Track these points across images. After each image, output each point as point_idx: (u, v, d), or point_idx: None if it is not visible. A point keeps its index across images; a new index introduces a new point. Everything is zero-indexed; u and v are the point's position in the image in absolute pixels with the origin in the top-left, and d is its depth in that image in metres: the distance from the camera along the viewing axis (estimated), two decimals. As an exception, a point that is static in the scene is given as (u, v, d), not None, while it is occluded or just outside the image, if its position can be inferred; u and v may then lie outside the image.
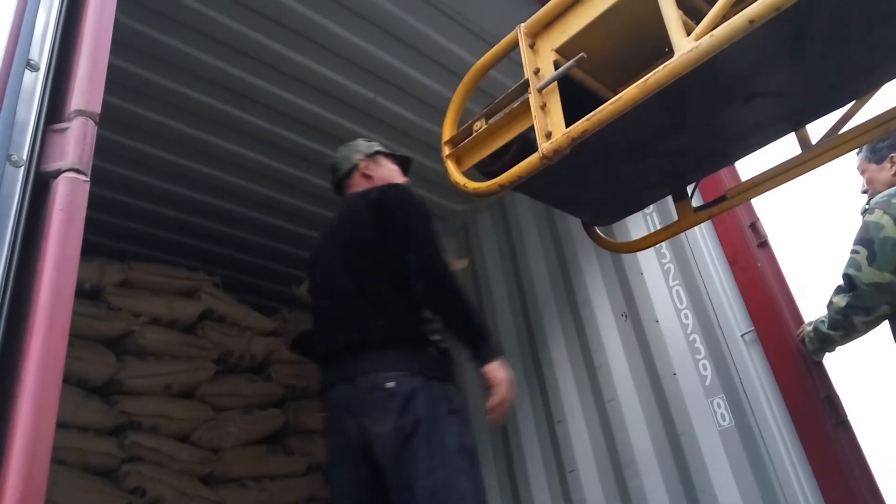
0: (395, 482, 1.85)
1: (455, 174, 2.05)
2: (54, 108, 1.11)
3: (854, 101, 1.93)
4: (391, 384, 1.89)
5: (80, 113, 1.10)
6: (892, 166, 2.50)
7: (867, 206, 2.45)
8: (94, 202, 1.05)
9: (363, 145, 2.47)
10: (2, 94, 1.07)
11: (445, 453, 1.84)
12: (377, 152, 2.45)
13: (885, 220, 2.31)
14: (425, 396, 1.90)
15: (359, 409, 1.93)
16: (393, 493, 1.86)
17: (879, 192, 2.45)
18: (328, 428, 2.05)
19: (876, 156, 2.55)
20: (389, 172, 2.41)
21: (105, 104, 1.16)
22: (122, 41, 2.78)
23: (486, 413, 1.97)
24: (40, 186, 1.03)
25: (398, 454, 1.84)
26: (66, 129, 1.08)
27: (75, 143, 1.06)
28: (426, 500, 1.78)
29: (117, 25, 1.30)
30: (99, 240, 3.74)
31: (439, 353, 2.02)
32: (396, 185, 2.26)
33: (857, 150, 2.41)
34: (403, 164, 2.51)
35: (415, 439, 1.84)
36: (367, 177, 2.38)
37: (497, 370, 1.96)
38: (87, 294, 3.37)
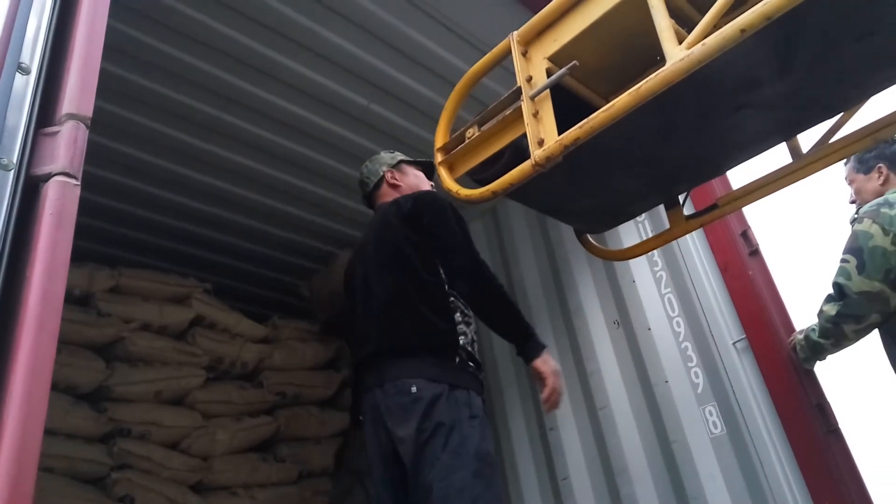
0: (414, 483, 1.91)
1: (447, 181, 2.05)
2: (45, 112, 1.11)
3: (843, 112, 1.95)
4: (415, 389, 1.96)
5: (71, 117, 1.09)
6: (879, 176, 2.52)
7: (856, 216, 2.46)
8: (85, 207, 1.05)
9: (386, 157, 2.57)
10: (-8, 97, 1.07)
11: (463, 457, 1.88)
12: (400, 161, 2.56)
13: (874, 229, 2.33)
14: (448, 402, 1.95)
15: (386, 414, 2.00)
16: (413, 494, 1.92)
17: (868, 202, 2.47)
18: (365, 432, 2.12)
19: (863, 166, 2.56)
20: (415, 179, 2.53)
21: (96, 109, 1.16)
22: (113, 46, 2.77)
23: (541, 404, 2.08)
24: (30, 190, 1.02)
25: (417, 456, 1.90)
26: (57, 132, 1.08)
27: (66, 147, 1.06)
28: (441, 501, 1.82)
29: (109, 31, 1.30)
30: (89, 245, 3.73)
31: (465, 361, 2.07)
32: (427, 193, 2.35)
33: (844, 160, 2.43)
34: (427, 169, 2.60)
35: (434, 442, 1.89)
36: (395, 186, 2.48)
37: (545, 364, 2.06)
38: (76, 300, 3.35)
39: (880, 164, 2.52)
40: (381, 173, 2.51)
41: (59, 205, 1.00)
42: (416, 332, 2.06)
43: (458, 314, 2.14)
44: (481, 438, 1.96)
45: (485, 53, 2.06)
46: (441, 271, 2.18)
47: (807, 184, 2.08)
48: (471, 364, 2.09)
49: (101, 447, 3.16)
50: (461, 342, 2.09)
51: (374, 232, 2.35)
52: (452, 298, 2.16)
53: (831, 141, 1.98)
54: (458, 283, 2.13)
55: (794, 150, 2.04)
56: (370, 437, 2.08)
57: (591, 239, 2.49)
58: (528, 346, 2.09)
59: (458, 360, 2.06)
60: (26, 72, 1.12)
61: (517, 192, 1.95)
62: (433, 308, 2.10)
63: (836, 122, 1.98)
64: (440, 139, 2.11)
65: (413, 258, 2.16)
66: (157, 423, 3.37)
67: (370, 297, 2.22)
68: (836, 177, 2.66)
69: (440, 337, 2.06)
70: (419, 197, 2.30)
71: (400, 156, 2.58)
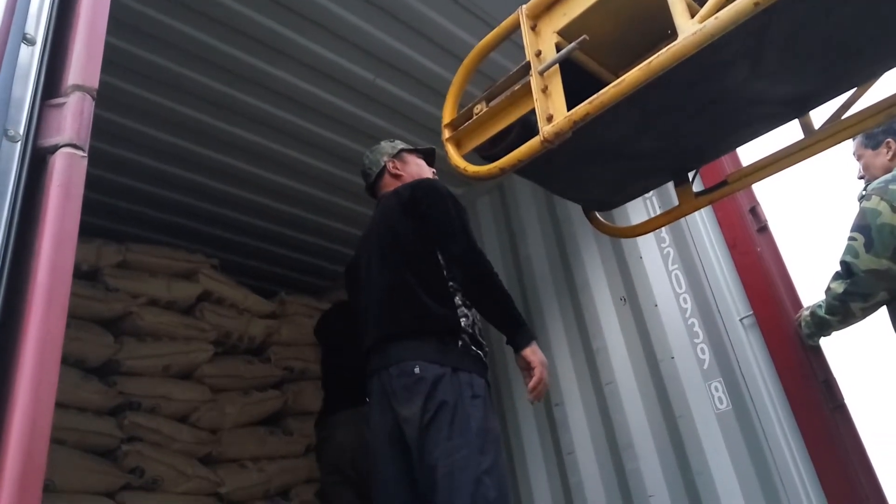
0: (419, 462, 1.94)
1: (455, 157, 2.04)
2: (51, 83, 1.10)
3: (857, 88, 1.92)
4: (418, 370, 1.99)
5: (77, 88, 1.09)
6: (888, 151, 2.49)
7: (864, 193, 2.44)
8: (93, 183, 1.05)
9: (387, 147, 2.58)
10: (-2, 69, 1.06)
11: (466, 435, 1.92)
12: (401, 151, 2.56)
13: (882, 206, 2.31)
14: (451, 382, 1.99)
15: (391, 395, 2.04)
16: (418, 473, 1.95)
17: (876, 178, 2.44)
18: (371, 413, 2.14)
19: (872, 141, 2.53)
20: (417, 167, 2.53)
21: (103, 84, 1.15)
22: (119, 20, 2.75)
23: (527, 393, 2.08)
24: (37, 162, 1.02)
25: (422, 436, 1.94)
26: (64, 104, 1.07)
27: (73, 119, 1.05)
28: (446, 477, 1.86)
29: (114, 4, 1.29)
30: (97, 221, 3.74)
31: (467, 345, 2.10)
32: (425, 180, 2.37)
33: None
34: (428, 156, 2.62)
35: (437, 421, 1.93)
36: (397, 175, 2.49)
37: (533, 354, 2.07)
38: (85, 275, 3.37)
39: (889, 140, 2.49)
40: (383, 163, 2.52)
41: (66, 176, 1.00)
42: (417, 317, 2.10)
43: (458, 298, 2.16)
44: (484, 416, 1.99)
45: (493, 27, 2.04)
46: (440, 257, 2.20)
47: (816, 160, 2.06)
48: (473, 347, 2.12)
49: (111, 420, 3.20)
50: (462, 324, 2.11)
51: (375, 221, 2.38)
52: (452, 283, 2.18)
53: (844, 117, 1.96)
54: (453, 269, 2.16)
55: (806, 127, 2.02)
56: (376, 418, 2.10)
57: (598, 216, 2.48)
58: (518, 335, 2.09)
59: (460, 343, 2.08)
60: (31, 43, 1.11)
61: (525, 169, 1.94)
62: (433, 293, 2.12)
63: (849, 97, 1.95)
64: (448, 115, 2.09)
65: (412, 245, 2.20)
66: (166, 396, 3.41)
67: (372, 284, 2.26)
68: (846, 153, 2.63)
69: (442, 321, 2.09)
70: (417, 185, 2.32)
71: (400, 144, 2.59)
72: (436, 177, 2.53)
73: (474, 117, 2.00)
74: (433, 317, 2.09)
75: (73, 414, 3.03)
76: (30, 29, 1.11)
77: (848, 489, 2.38)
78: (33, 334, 0.88)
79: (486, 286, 2.13)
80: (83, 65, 1.11)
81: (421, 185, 2.31)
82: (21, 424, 0.83)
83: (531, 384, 2.06)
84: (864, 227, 2.33)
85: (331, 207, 4.24)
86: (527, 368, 2.08)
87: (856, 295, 2.35)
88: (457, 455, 1.88)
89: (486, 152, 2.05)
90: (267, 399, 3.84)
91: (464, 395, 1.98)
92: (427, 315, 2.09)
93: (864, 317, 2.41)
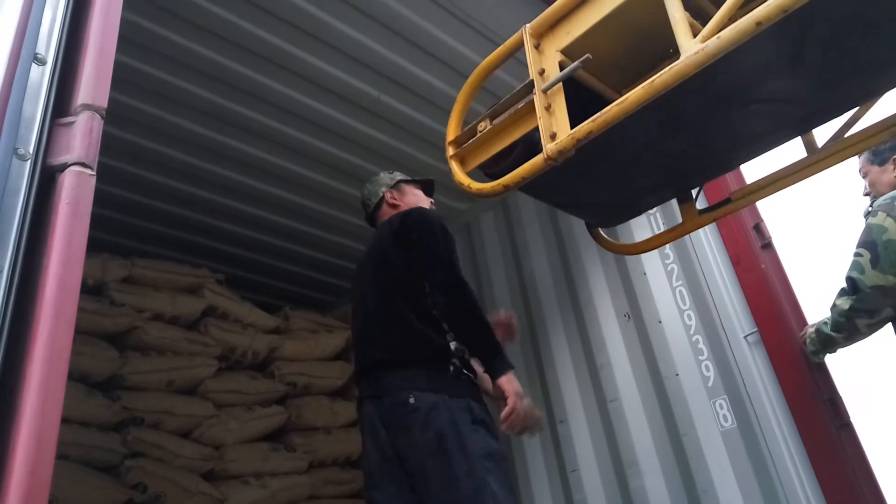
0: (424, 494, 1.93)
1: (459, 174, 2.05)
2: (61, 103, 1.11)
3: (859, 107, 1.93)
4: (412, 400, 1.99)
5: (86, 107, 1.10)
6: (894, 168, 2.49)
7: (870, 209, 2.44)
8: (98, 198, 1.05)
9: (386, 178, 2.61)
10: (9, 87, 1.07)
11: (472, 461, 1.90)
12: (399, 181, 2.59)
13: (889, 222, 2.30)
14: (447, 409, 1.98)
15: (388, 424, 2.04)
16: (424, 500, 1.93)
17: (882, 195, 2.44)
18: (364, 441, 2.14)
19: (878, 158, 2.54)
20: (414, 198, 2.55)
21: (110, 101, 1.17)
22: (127, 38, 2.78)
23: (500, 423, 2.04)
24: (46, 180, 1.03)
25: (425, 467, 1.93)
26: (73, 123, 1.08)
27: (82, 138, 1.06)
28: None
29: (123, 22, 1.30)
30: (102, 236, 3.75)
31: (458, 369, 2.11)
32: (417, 209, 2.39)
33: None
34: (426, 187, 2.65)
35: (440, 451, 1.91)
36: (394, 206, 2.52)
37: (508, 383, 2.04)
38: (90, 290, 3.38)
39: (895, 156, 2.49)
40: (381, 194, 2.55)
41: (75, 194, 1.01)
42: (407, 344, 2.11)
43: (446, 324, 2.15)
44: (484, 439, 1.98)
45: (498, 45, 2.05)
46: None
47: (821, 176, 2.06)
48: (465, 371, 2.12)
49: (114, 435, 3.20)
50: (453, 348, 2.12)
51: (370, 248, 2.43)
52: (435, 311, 2.18)
53: (847, 135, 1.96)
54: (436, 295, 2.15)
55: (810, 145, 2.03)
56: (369, 445, 2.10)
57: (602, 233, 2.49)
58: (494, 363, 2.08)
59: (451, 369, 2.09)
60: (42, 62, 1.12)
61: (529, 186, 1.95)
62: (423, 320, 2.13)
63: (852, 115, 1.96)
64: (452, 132, 2.10)
65: (402, 272, 2.22)
66: (169, 411, 3.41)
67: (365, 310, 2.30)
68: (850, 170, 2.63)
69: (432, 348, 2.10)
70: (409, 213, 2.35)
71: (399, 175, 2.63)
72: (433, 207, 2.55)
73: (478, 135, 2.01)
74: (424, 342, 2.10)
75: (76, 429, 3.03)
76: (40, 49, 1.13)
77: (854, 508, 2.37)
78: (40, 351, 0.88)
79: (468, 314, 2.12)
80: (92, 84, 1.12)
81: (412, 213, 2.34)
82: (27, 441, 0.84)
83: (503, 413, 2.02)
84: (870, 243, 2.33)
85: (336, 223, 4.25)
86: (502, 398, 2.05)
87: (861, 311, 2.34)
88: (465, 483, 1.86)
89: (490, 169, 2.06)
90: (270, 415, 3.83)
91: (462, 421, 1.97)
92: (418, 341, 2.10)
93: (869, 333, 2.40)
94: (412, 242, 2.23)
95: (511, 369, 2.08)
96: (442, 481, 1.88)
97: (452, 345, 2.12)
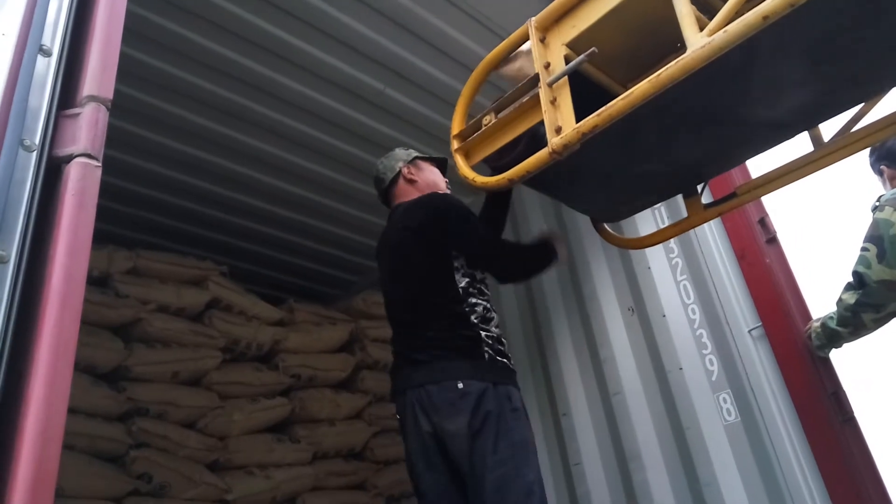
0: (468, 476, 1.98)
1: (464, 168, 2.05)
2: (66, 94, 1.11)
3: (866, 102, 1.92)
4: (461, 385, 2.03)
5: (92, 98, 1.10)
6: None
7: (877, 204, 2.43)
8: (103, 190, 1.06)
9: (402, 153, 2.58)
10: (15, 79, 1.07)
11: (512, 447, 1.97)
12: (416, 158, 2.57)
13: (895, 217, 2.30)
14: (494, 395, 2.04)
15: (432, 410, 2.05)
16: (470, 485, 1.98)
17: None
18: (405, 430, 2.15)
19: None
20: (431, 174, 2.54)
21: (115, 93, 1.17)
22: (133, 30, 2.79)
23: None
24: (52, 171, 1.03)
25: (469, 450, 1.97)
26: (79, 114, 1.08)
27: (87, 129, 1.07)
28: (495, 491, 1.91)
29: (128, 14, 1.30)
30: (107, 227, 3.77)
31: (493, 357, 2.14)
32: (432, 201, 2.35)
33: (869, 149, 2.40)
34: (440, 165, 2.63)
35: (483, 434, 1.97)
36: (412, 181, 2.49)
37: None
38: (95, 281, 3.39)
39: None
40: (398, 169, 2.50)
41: (80, 186, 1.01)
42: (442, 337, 2.13)
43: (474, 317, 2.17)
44: (524, 428, 2.06)
45: (503, 38, 2.04)
46: (455, 276, 2.23)
47: (827, 171, 2.05)
48: (499, 358, 2.15)
49: (119, 426, 3.21)
50: (483, 336, 2.14)
51: (390, 237, 2.40)
52: (473, 299, 2.21)
53: (854, 130, 1.95)
54: (482, 270, 2.28)
55: (816, 139, 2.02)
56: (411, 433, 2.11)
57: (606, 227, 2.48)
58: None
59: (486, 356, 2.12)
60: (48, 54, 1.13)
61: (533, 180, 1.94)
62: (451, 316, 2.16)
63: (859, 110, 1.95)
64: (457, 126, 2.10)
65: (426, 268, 2.23)
66: (174, 402, 3.42)
67: (394, 301, 2.33)
68: (856, 164, 2.61)
69: (464, 339, 2.13)
70: (427, 207, 2.32)
71: (414, 152, 2.59)
72: (449, 188, 2.55)
73: (483, 128, 2.00)
74: (457, 335, 2.13)
75: (82, 419, 3.05)
76: (46, 40, 1.13)
77: (857, 503, 2.37)
78: (47, 341, 0.89)
79: (515, 267, 2.36)
80: (98, 76, 1.13)
81: (429, 205, 2.31)
82: (34, 430, 0.84)
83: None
84: (876, 237, 2.32)
85: (340, 216, 4.26)
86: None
87: (868, 306, 2.34)
88: (504, 468, 1.93)
89: (495, 163, 2.06)
90: (274, 406, 3.84)
91: (505, 407, 2.03)
92: (451, 332, 2.13)
93: (875, 328, 2.40)
94: (434, 238, 2.24)
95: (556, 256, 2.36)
96: (489, 464, 1.94)
97: (483, 334, 2.15)
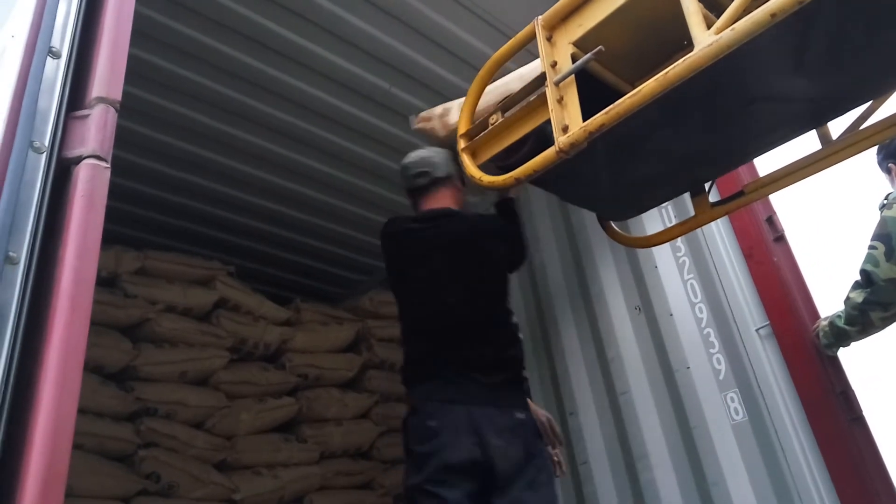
0: (507, 493, 2.04)
1: (470, 167, 2.04)
2: (75, 96, 1.12)
3: (874, 100, 1.91)
4: (521, 416, 2.15)
5: (100, 100, 1.11)
6: None
7: (885, 202, 2.42)
8: (111, 190, 1.06)
9: (451, 156, 2.42)
10: (24, 80, 1.08)
11: (550, 474, 2.16)
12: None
13: (904, 215, 2.29)
14: (535, 426, 2.21)
15: (488, 430, 2.07)
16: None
17: None
18: (446, 441, 2.05)
19: None
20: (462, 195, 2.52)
21: (123, 94, 1.17)
22: (140, 31, 2.79)
23: None
24: (62, 173, 1.04)
25: (517, 473, 2.05)
26: (88, 115, 1.09)
27: (96, 130, 1.07)
28: None
29: (136, 16, 1.31)
30: (115, 228, 3.77)
31: (527, 381, 2.30)
32: (490, 224, 2.53)
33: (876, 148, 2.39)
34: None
35: (532, 462, 2.10)
36: (456, 196, 2.45)
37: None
38: (103, 281, 3.40)
39: None
40: (451, 173, 2.40)
41: (89, 187, 1.02)
42: (502, 357, 2.21)
43: (519, 333, 2.31)
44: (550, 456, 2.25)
45: (509, 37, 2.04)
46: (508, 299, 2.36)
47: (835, 169, 2.04)
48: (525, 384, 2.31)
49: (128, 426, 3.23)
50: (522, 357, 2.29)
51: (438, 240, 2.31)
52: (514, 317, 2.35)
53: (862, 127, 1.94)
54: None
55: (824, 137, 2.01)
56: (454, 446, 2.03)
57: (613, 225, 2.48)
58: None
59: (524, 383, 2.27)
60: (57, 56, 1.13)
61: (540, 179, 1.94)
62: (509, 327, 2.27)
63: (867, 108, 1.94)
64: (463, 125, 2.09)
65: (493, 289, 2.32)
66: (182, 402, 3.43)
67: (444, 308, 2.24)
68: (864, 162, 2.60)
69: (517, 361, 2.25)
70: (489, 230, 2.43)
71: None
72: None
73: (490, 127, 2.00)
74: (513, 355, 2.24)
75: (90, 419, 3.06)
76: (55, 42, 1.14)
77: (866, 502, 2.36)
78: (57, 342, 0.89)
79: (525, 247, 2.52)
80: (107, 77, 1.13)
81: (490, 229, 2.45)
82: (44, 430, 0.85)
83: None
84: (884, 235, 2.31)
85: (346, 215, 4.26)
86: None
87: (876, 304, 2.33)
88: (545, 491, 2.08)
89: (502, 162, 2.05)
90: (282, 406, 3.85)
91: (539, 439, 2.20)
92: (513, 350, 2.25)
93: (883, 327, 2.39)
94: (499, 255, 2.36)
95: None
96: (536, 484, 2.06)
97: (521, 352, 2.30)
